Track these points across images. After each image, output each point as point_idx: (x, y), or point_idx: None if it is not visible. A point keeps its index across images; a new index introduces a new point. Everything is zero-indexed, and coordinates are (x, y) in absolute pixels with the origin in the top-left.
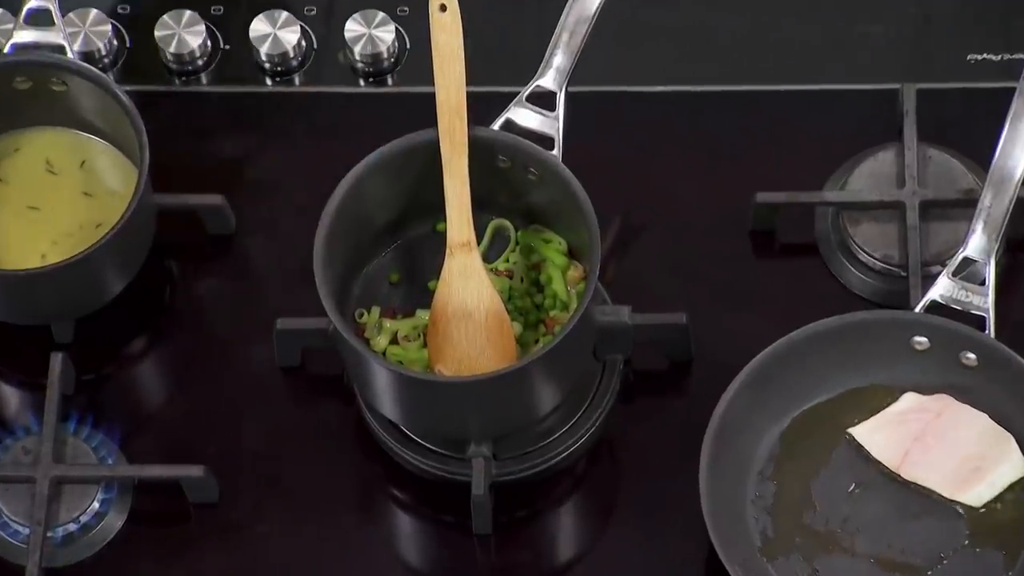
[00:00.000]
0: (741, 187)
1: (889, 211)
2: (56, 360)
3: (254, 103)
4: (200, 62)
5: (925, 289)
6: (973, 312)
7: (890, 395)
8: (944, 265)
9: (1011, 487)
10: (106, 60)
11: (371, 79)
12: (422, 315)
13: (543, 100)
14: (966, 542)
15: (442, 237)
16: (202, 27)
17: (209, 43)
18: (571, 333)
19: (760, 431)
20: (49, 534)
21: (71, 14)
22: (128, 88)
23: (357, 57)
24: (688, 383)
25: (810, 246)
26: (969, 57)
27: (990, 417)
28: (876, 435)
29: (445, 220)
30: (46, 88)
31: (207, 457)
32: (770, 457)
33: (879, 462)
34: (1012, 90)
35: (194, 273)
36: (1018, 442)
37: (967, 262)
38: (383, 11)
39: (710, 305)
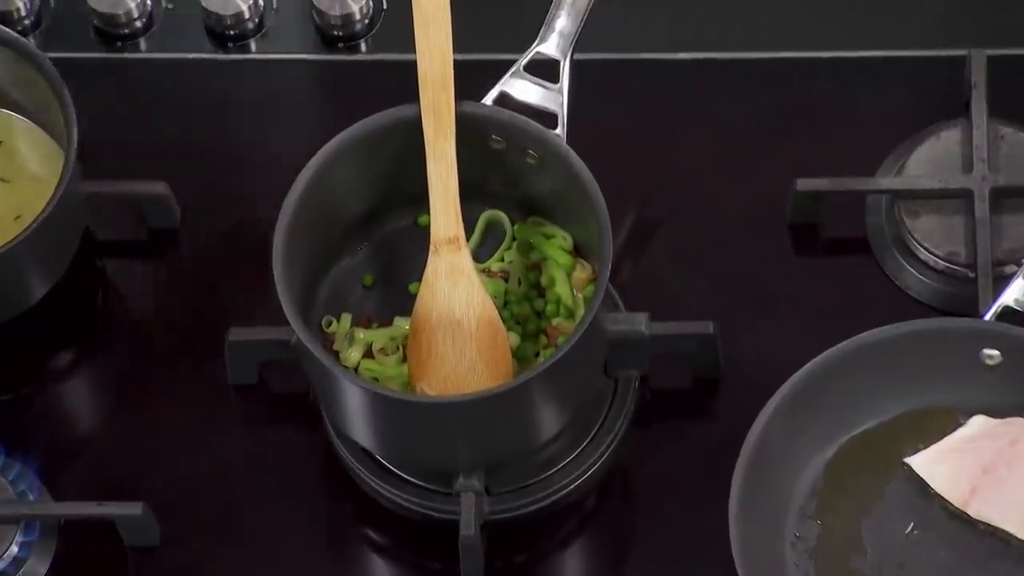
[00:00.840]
0: (779, 172)
1: (954, 201)
2: None
3: (202, 73)
4: (138, 24)
5: (997, 293)
6: None
7: (955, 419)
8: (1019, 264)
9: None
10: (27, 22)
11: (341, 45)
12: (401, 324)
13: (544, 70)
14: None
15: (425, 232)
16: None
17: (148, 1)
18: (577, 345)
19: (801, 461)
20: None
21: None
22: (53, 55)
23: (325, 19)
24: (716, 404)
25: (860, 242)
26: None
27: None
28: (938, 466)
29: (428, 212)
30: None
31: (146, 492)
32: (813, 492)
33: (942, 498)
34: None
35: (131, 274)
36: None
37: None
38: None
39: (742, 312)
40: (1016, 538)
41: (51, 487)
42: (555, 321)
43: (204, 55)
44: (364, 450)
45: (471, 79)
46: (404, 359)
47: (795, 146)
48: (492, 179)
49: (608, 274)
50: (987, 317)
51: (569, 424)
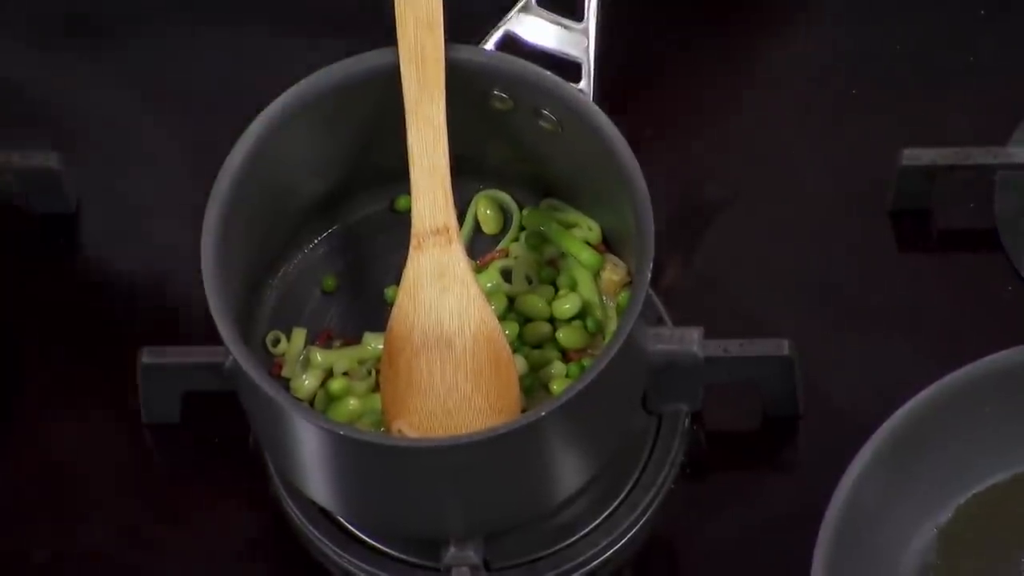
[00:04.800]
0: (877, 141)
1: None
2: None
3: (106, 5)
4: None
5: None
6: None
7: None
8: None
9: None
10: None
11: None
12: (373, 342)
13: (565, 2)
14: None
15: (404, 220)
16: None
17: None
18: (608, 370)
19: (907, 528)
20: None
21: None
22: None
23: None
24: (793, 451)
25: (987, 234)
26: None
27: None
28: None
29: (408, 193)
30: None
31: (31, 572)
32: (923, 569)
33: None
34: None
35: (11, 275)
36: None
37: None
38: None
39: (827, 328)
40: None
41: None
42: None
43: None
44: (323, 511)
45: (468, 15)
46: (376, 389)
47: (900, 106)
48: (494, 149)
49: (649, 276)
50: None
51: (596, 478)
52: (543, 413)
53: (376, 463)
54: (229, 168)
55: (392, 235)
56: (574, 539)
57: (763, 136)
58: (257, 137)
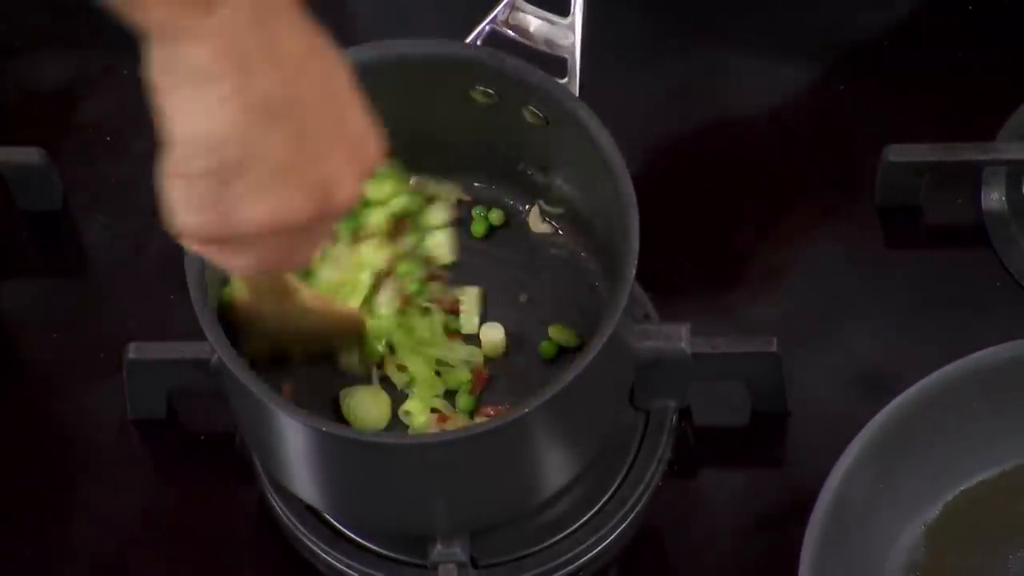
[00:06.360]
0: (863, 137)
1: None
2: None
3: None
4: None
5: None
6: None
7: None
8: None
9: None
10: None
11: None
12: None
13: None
14: None
15: None
16: None
17: None
18: (592, 367)
19: (894, 524)
20: None
21: None
22: None
23: None
24: (780, 447)
25: (974, 230)
26: None
27: None
28: None
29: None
30: None
31: (19, 568)
32: (910, 566)
33: None
34: None
35: None
36: None
37: None
38: None
39: (814, 325)
40: None
41: None
42: None
43: None
44: (310, 508)
45: (453, 10)
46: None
47: (887, 102)
48: (480, 145)
49: (633, 271)
50: None
51: (583, 474)
52: (527, 410)
53: (361, 460)
54: None
55: None
56: (561, 536)
57: (747, 134)
58: None
